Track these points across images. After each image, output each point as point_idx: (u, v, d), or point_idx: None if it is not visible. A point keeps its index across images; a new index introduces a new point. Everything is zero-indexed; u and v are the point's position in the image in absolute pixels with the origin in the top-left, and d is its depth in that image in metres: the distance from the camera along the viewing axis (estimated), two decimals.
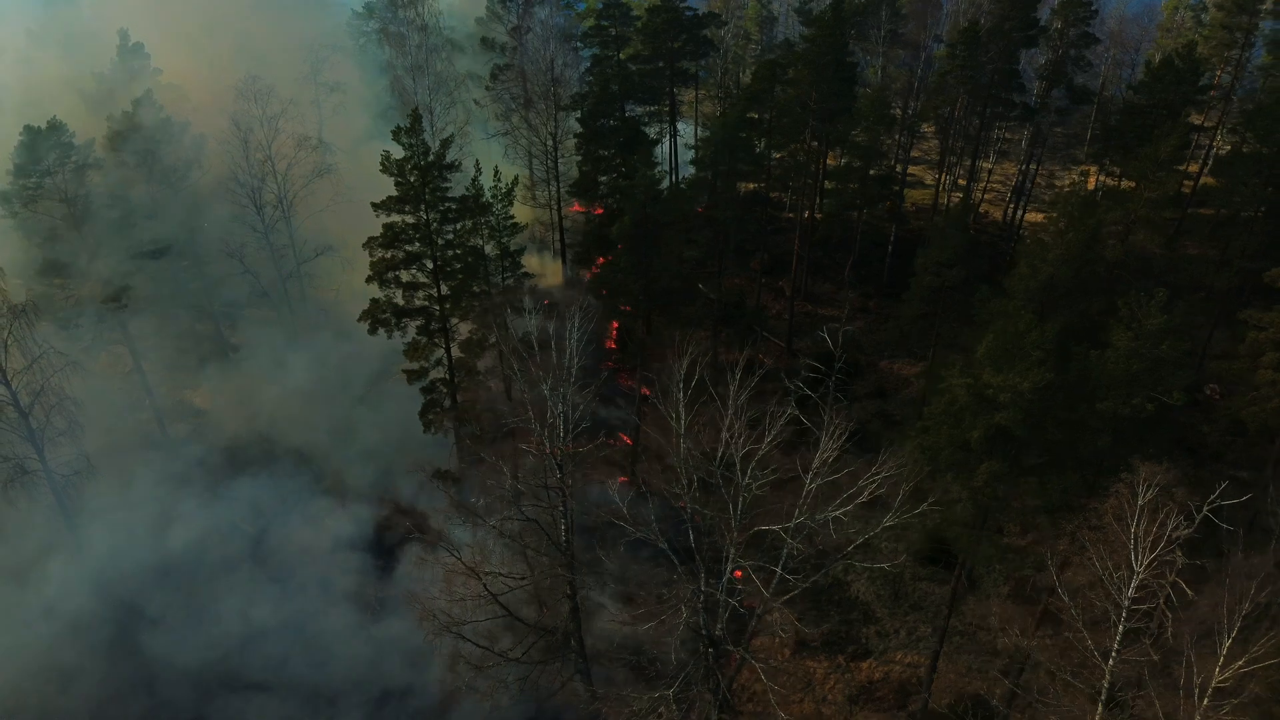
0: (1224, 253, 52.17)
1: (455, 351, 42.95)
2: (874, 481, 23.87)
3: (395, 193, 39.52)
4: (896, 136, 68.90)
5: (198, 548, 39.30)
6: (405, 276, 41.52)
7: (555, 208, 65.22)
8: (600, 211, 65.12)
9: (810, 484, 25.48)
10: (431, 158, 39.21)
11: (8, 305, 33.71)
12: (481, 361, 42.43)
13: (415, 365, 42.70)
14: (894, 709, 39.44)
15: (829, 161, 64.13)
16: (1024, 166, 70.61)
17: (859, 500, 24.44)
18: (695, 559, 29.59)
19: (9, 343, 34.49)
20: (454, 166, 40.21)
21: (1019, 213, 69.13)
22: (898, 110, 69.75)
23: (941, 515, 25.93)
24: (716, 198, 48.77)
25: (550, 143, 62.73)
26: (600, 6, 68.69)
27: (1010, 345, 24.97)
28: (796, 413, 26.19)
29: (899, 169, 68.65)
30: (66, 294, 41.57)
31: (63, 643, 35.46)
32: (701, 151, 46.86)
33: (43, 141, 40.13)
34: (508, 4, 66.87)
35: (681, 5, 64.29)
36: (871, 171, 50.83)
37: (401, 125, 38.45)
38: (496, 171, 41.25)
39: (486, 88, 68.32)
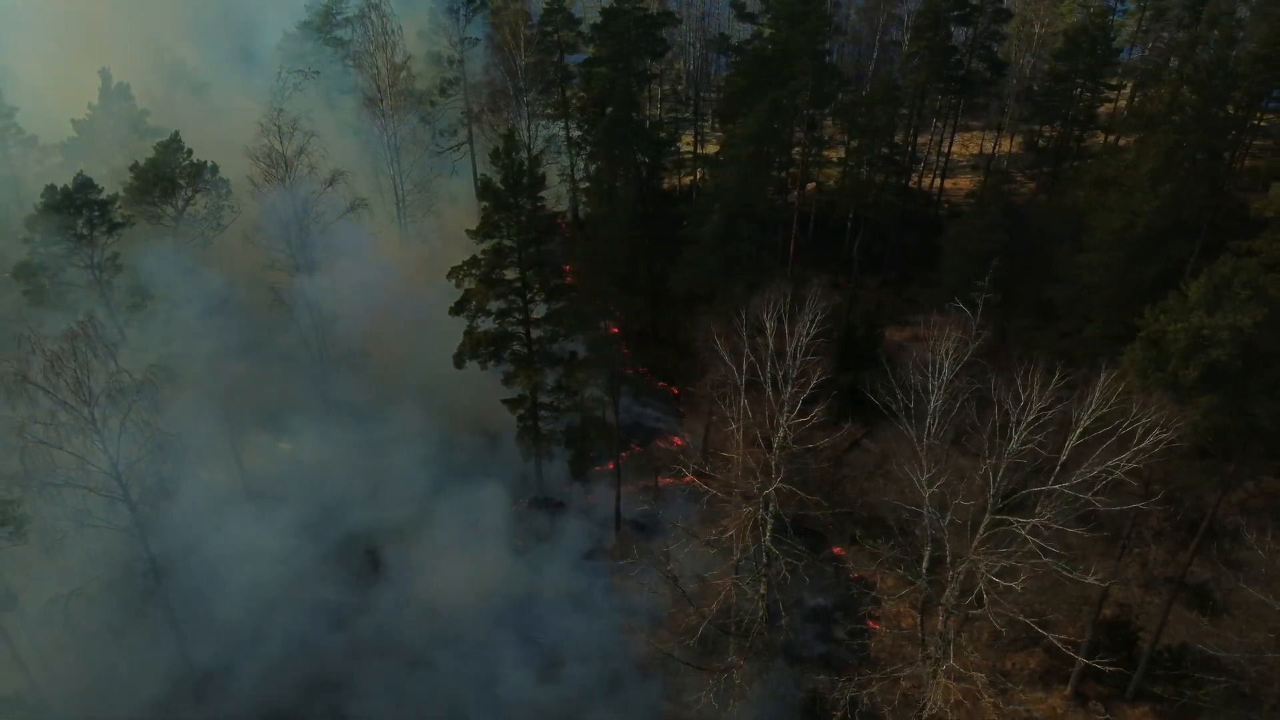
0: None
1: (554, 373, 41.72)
2: (1163, 431, 25.76)
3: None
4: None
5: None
6: (496, 305, 39.85)
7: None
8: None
9: (1074, 438, 27.22)
10: (526, 179, 37.82)
11: (131, 381, 28.92)
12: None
13: (515, 394, 41.10)
14: (1030, 647, 42.27)
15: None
16: (948, 137, 76.07)
17: (1138, 446, 26.36)
18: (927, 533, 30.89)
19: (122, 429, 29.91)
20: (543, 183, 38.99)
21: (940, 180, 74.84)
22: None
23: (1171, 450, 28.30)
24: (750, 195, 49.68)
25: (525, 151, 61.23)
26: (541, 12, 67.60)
27: (1219, 288, 27.85)
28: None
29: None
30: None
31: None
32: (735, 151, 47.61)
33: (73, 201, 35.09)
34: (453, 14, 64.45)
35: (637, 7, 64.37)
36: (884, 151, 53.40)
37: (499, 147, 36.93)
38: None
39: (431, 102, 65.72)
